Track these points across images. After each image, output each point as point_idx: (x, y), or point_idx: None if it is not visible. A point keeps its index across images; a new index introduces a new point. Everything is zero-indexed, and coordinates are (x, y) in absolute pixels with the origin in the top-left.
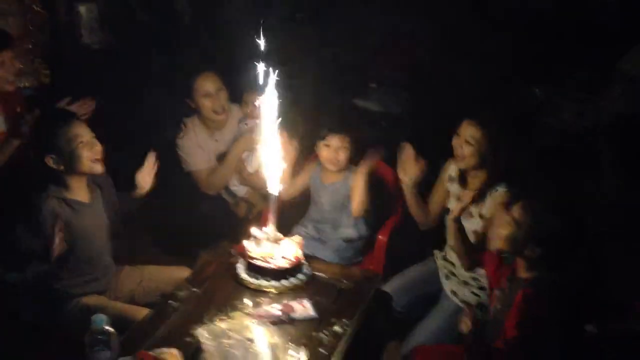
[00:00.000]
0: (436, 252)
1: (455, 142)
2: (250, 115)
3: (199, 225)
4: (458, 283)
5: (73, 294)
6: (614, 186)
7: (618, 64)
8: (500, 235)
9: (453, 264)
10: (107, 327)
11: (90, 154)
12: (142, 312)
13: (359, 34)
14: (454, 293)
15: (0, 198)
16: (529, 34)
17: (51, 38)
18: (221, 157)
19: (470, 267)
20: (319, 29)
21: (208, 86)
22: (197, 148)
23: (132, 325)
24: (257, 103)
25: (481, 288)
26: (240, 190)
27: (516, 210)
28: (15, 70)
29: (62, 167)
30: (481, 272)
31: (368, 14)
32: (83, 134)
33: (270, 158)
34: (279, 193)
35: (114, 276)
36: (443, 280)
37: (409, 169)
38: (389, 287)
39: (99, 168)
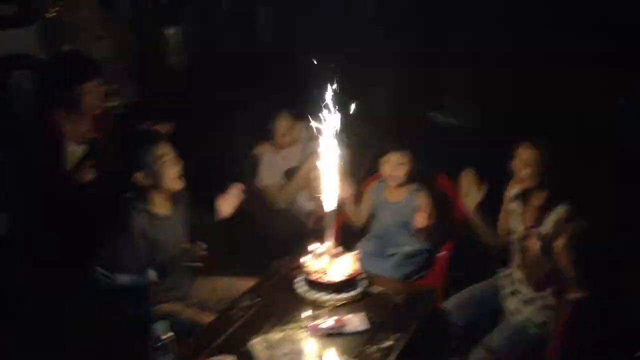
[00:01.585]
0: (502, 269)
1: (514, 163)
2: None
3: (271, 238)
4: (522, 301)
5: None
6: None
7: None
8: None
9: (519, 282)
10: (168, 333)
11: (172, 171)
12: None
13: (436, 47)
14: (517, 311)
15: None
16: (616, 41)
17: (141, 59)
18: (289, 173)
19: (537, 286)
20: (396, 43)
21: (285, 126)
22: (265, 166)
23: (194, 333)
24: (315, 124)
25: (545, 307)
26: (309, 205)
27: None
28: (100, 96)
29: (148, 183)
30: (547, 290)
31: (448, 28)
32: (168, 153)
33: (328, 176)
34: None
35: (189, 285)
36: (507, 298)
37: (473, 196)
38: (449, 303)
39: (179, 184)
